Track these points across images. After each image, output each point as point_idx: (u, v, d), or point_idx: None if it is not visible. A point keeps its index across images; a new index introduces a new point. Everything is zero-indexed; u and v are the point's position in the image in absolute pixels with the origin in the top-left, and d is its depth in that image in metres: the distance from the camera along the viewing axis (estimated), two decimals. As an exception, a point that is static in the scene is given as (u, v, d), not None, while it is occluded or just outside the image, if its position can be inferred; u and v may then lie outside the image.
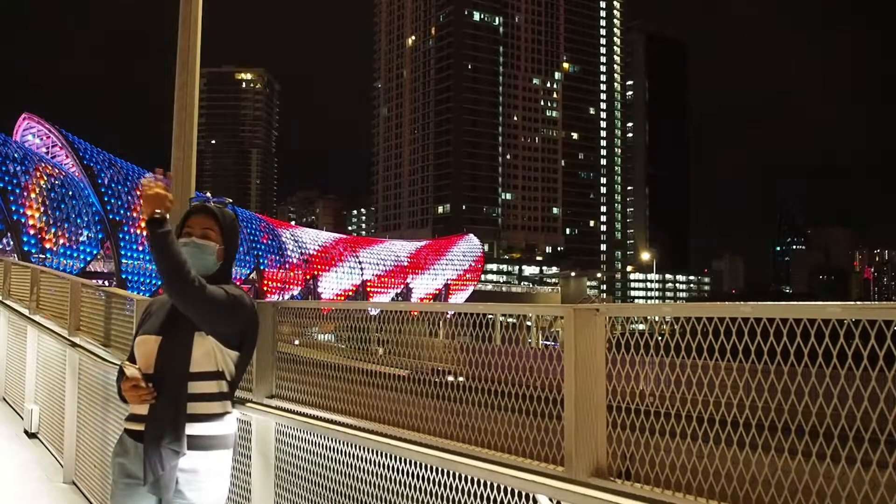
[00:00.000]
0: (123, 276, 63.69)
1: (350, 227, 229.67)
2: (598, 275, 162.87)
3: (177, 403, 3.04)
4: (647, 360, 2.47)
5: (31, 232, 60.39)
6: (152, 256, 2.97)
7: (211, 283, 3.10)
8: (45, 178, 62.68)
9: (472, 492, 3.00)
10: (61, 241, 62.23)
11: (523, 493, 2.80)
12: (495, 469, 2.81)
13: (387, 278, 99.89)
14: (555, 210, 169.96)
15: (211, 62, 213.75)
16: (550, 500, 2.67)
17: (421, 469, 3.19)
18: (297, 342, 4.14)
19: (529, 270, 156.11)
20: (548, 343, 3.12)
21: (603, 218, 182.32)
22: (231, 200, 3.41)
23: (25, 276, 10.57)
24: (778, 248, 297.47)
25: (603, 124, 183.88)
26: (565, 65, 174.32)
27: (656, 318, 2.62)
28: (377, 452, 3.43)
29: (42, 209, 61.15)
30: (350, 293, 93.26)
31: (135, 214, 67.08)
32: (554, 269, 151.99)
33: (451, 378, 3.06)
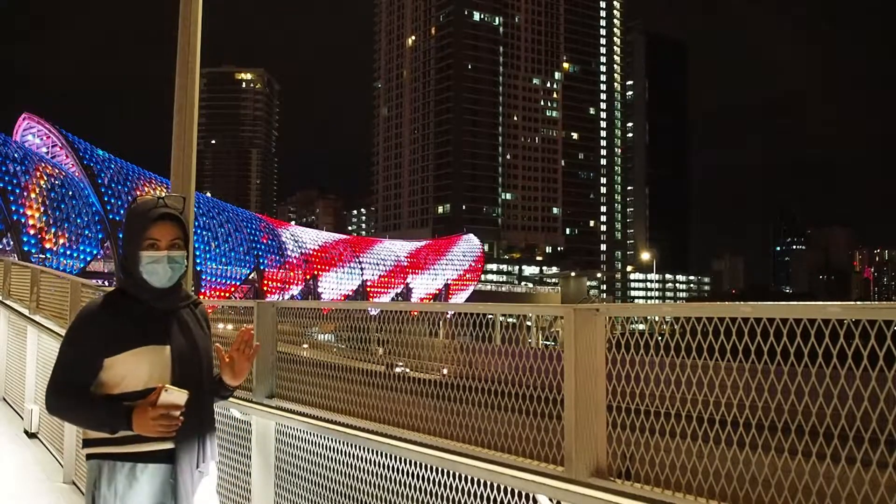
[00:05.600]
0: (123, 276, 63.64)
1: (350, 227, 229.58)
2: (598, 275, 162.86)
3: (209, 420, 2.88)
4: (647, 360, 2.47)
5: (31, 232, 60.41)
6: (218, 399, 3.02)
7: (175, 287, 2.87)
8: (45, 178, 62.72)
9: (472, 492, 3.00)
10: (61, 241, 62.25)
11: (523, 493, 2.80)
12: (495, 469, 2.80)
13: (387, 278, 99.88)
14: (555, 210, 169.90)
15: (211, 62, 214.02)
16: (550, 500, 2.67)
17: (421, 469, 3.19)
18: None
19: (529, 270, 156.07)
20: (548, 343, 3.12)
21: (603, 218, 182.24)
22: (183, 196, 3.08)
23: (25, 276, 10.58)
24: (778, 248, 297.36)
25: (603, 124, 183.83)
26: (565, 65, 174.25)
27: (656, 318, 2.62)
28: (377, 452, 3.42)
29: (42, 209, 61.19)
30: (350, 294, 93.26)
31: (135, 214, 67.05)
32: (554, 269, 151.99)
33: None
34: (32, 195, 60.87)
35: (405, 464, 3.27)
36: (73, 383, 2.67)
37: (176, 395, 2.57)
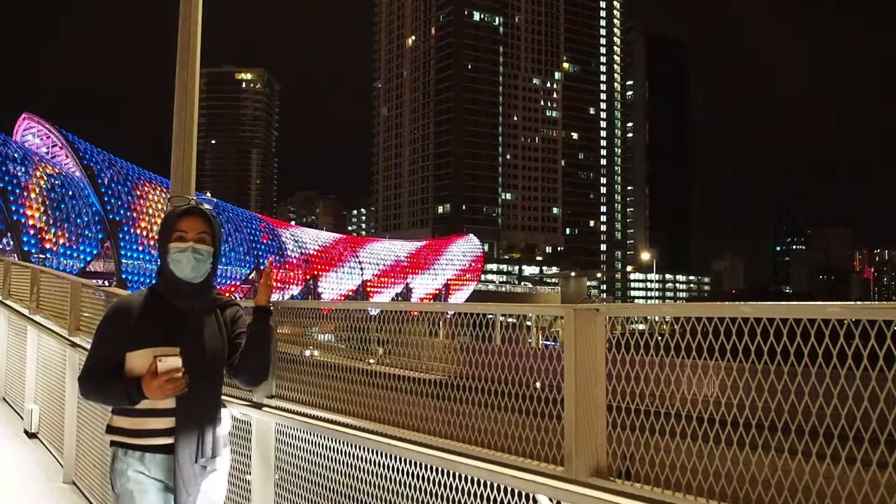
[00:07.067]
0: (123, 276, 63.68)
1: (350, 227, 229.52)
2: (598, 275, 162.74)
3: (212, 417, 3.03)
4: (647, 360, 2.47)
5: (31, 232, 60.39)
6: (261, 341, 3.19)
7: (203, 286, 3.08)
8: (45, 178, 62.68)
9: (472, 492, 2.99)
10: (61, 241, 62.22)
11: (523, 493, 2.80)
12: (495, 469, 2.80)
13: (387, 278, 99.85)
14: (555, 210, 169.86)
15: (211, 62, 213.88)
16: (550, 500, 2.66)
17: (421, 469, 3.19)
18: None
19: (529, 270, 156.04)
20: (548, 343, 3.12)
21: (603, 218, 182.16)
22: (214, 199, 3.37)
23: (25, 276, 10.56)
24: (778, 248, 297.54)
25: (603, 124, 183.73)
26: (565, 65, 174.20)
27: (656, 318, 2.62)
28: (377, 452, 3.42)
29: (42, 209, 61.16)
30: (350, 294, 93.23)
31: (135, 214, 67.12)
32: (554, 269, 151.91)
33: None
34: (32, 195, 60.84)
35: (405, 464, 3.27)
36: (101, 370, 2.95)
37: (171, 361, 2.84)
